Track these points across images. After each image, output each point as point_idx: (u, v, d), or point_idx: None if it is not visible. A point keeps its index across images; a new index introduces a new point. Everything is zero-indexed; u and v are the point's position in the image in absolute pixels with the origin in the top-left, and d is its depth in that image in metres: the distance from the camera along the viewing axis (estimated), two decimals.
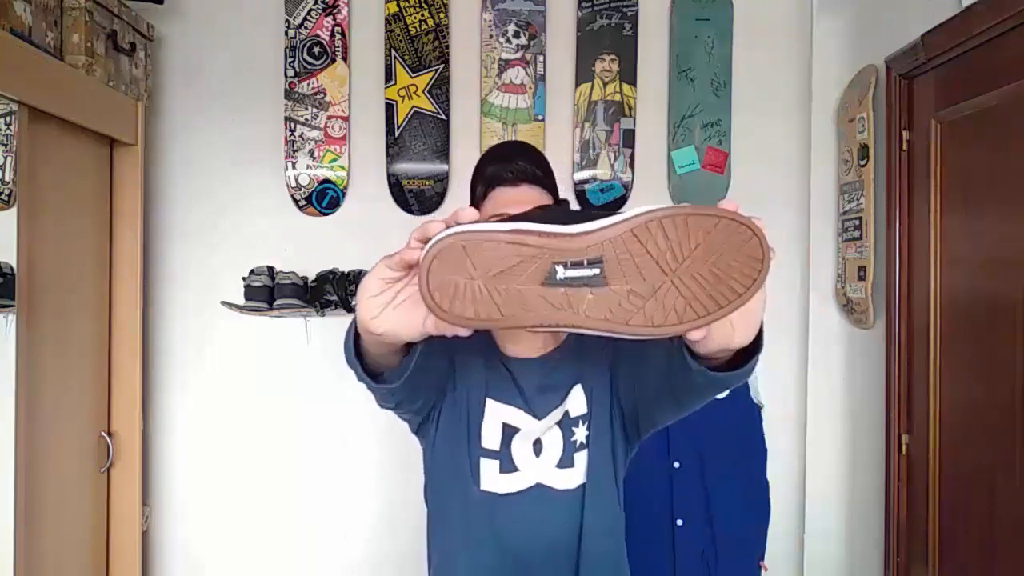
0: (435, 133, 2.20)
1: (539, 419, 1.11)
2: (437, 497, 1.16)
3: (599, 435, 1.10)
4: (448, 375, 1.13)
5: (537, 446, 1.10)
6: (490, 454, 1.10)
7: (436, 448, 1.14)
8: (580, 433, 1.11)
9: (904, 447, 1.82)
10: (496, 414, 1.11)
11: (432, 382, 1.08)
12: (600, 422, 1.11)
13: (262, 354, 2.20)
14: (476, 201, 1.18)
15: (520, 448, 1.10)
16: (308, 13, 2.18)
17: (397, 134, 2.19)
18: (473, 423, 1.11)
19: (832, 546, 2.14)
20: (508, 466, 1.09)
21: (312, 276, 2.07)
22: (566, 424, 1.11)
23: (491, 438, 1.11)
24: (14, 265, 1.58)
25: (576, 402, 1.12)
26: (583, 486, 1.09)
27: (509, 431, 1.10)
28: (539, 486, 1.08)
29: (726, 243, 0.62)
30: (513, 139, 2.18)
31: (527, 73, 2.21)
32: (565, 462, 1.10)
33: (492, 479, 1.09)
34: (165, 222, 2.21)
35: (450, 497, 1.12)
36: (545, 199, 1.14)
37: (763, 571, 2.05)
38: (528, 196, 1.13)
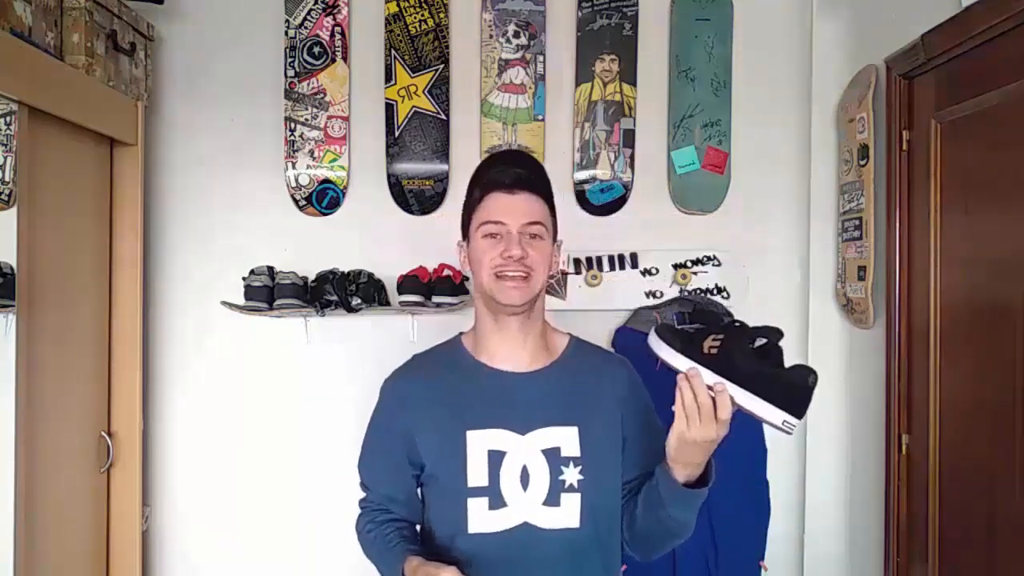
0: (435, 133, 2.20)
1: (522, 435, 1.12)
2: (428, 542, 1.19)
3: (598, 483, 1.11)
4: (417, 463, 1.18)
5: (524, 478, 1.10)
6: (478, 492, 1.10)
7: (429, 499, 1.20)
8: (570, 475, 1.11)
9: (904, 447, 1.82)
10: (479, 443, 1.12)
11: (414, 484, 1.20)
12: (595, 466, 1.12)
13: (262, 354, 2.20)
14: (472, 205, 1.19)
15: (508, 479, 1.10)
16: (308, 13, 2.18)
17: (397, 134, 2.19)
18: (456, 470, 1.12)
19: (832, 546, 2.14)
20: (497, 502, 1.10)
21: (312, 276, 2.07)
22: (553, 459, 1.11)
23: (478, 473, 1.11)
24: (14, 265, 1.58)
25: (568, 441, 1.12)
26: (574, 532, 1.10)
27: (495, 458, 1.11)
28: (526, 525, 1.09)
29: None
30: (512, 148, 2.17)
31: (527, 73, 2.21)
32: (551, 500, 1.10)
33: (480, 519, 1.10)
34: (165, 222, 2.21)
35: (439, 544, 1.14)
36: (540, 207, 1.16)
37: (763, 571, 2.05)
38: (524, 203, 1.15)
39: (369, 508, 1.25)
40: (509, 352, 1.18)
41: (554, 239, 1.21)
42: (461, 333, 1.27)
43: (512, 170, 1.15)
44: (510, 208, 1.13)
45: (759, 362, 0.98)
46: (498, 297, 1.12)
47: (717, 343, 0.98)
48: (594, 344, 1.29)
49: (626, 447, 1.16)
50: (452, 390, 1.17)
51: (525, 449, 1.11)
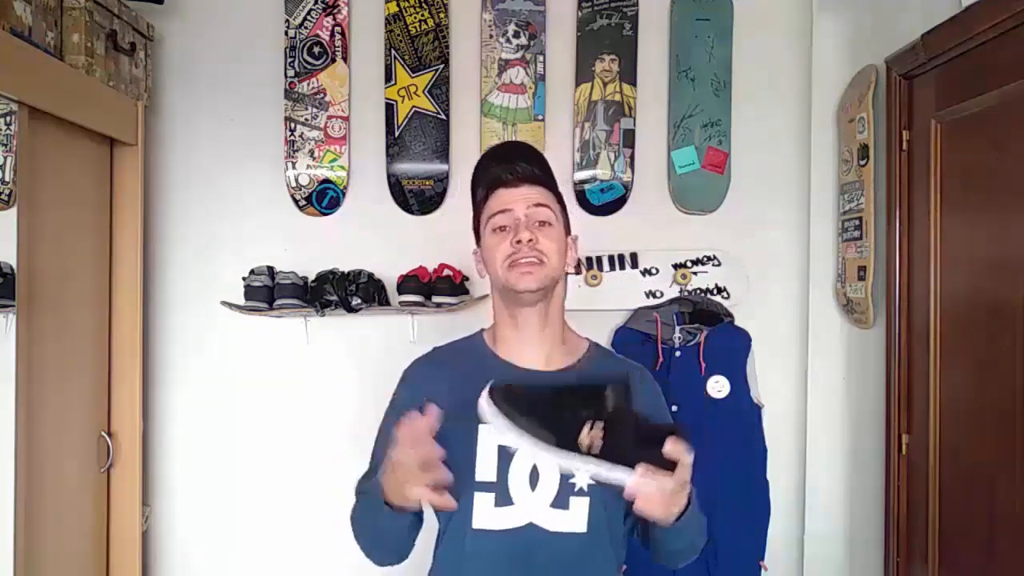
0: (435, 133, 2.20)
1: None
2: (437, 539, 1.18)
3: (609, 489, 1.08)
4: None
5: (533, 477, 1.09)
6: (486, 487, 1.09)
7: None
8: (580, 478, 1.09)
9: (904, 447, 1.82)
10: (490, 438, 1.10)
11: None
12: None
13: (262, 354, 2.20)
14: (477, 203, 1.19)
15: (516, 477, 1.09)
16: (308, 13, 2.18)
17: (397, 134, 2.19)
18: (465, 461, 1.10)
19: (832, 546, 2.13)
20: (504, 499, 1.09)
21: (312, 276, 2.07)
22: None
23: (486, 468, 1.10)
24: (14, 265, 1.58)
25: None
26: (581, 536, 1.08)
27: (506, 455, 1.09)
28: (531, 526, 1.08)
29: None
30: (511, 139, 2.17)
31: (527, 73, 2.21)
32: (560, 503, 1.09)
33: (486, 515, 1.09)
34: (165, 222, 2.21)
35: (444, 538, 1.13)
36: (544, 197, 1.17)
37: (763, 571, 2.05)
38: (529, 195, 1.16)
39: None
40: (526, 349, 1.17)
41: (567, 230, 1.20)
42: (483, 329, 1.27)
43: (514, 166, 1.16)
44: (515, 200, 1.15)
45: (644, 451, 0.96)
46: (512, 284, 1.12)
47: (600, 436, 0.94)
48: (615, 353, 1.29)
49: None
50: (468, 381, 1.13)
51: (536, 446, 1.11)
